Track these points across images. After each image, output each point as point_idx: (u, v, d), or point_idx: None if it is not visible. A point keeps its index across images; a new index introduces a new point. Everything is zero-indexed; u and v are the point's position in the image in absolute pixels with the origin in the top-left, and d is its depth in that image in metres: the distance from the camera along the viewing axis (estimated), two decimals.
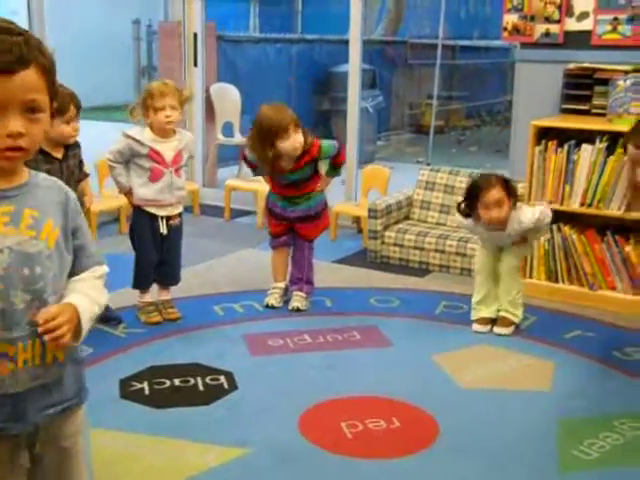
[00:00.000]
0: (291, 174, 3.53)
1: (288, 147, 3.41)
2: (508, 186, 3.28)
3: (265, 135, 3.40)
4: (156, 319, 3.45)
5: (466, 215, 3.38)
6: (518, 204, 3.34)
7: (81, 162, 3.25)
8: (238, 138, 6.45)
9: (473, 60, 10.96)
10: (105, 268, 1.56)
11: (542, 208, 3.37)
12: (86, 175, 3.35)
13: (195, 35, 5.78)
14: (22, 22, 4.76)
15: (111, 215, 5.14)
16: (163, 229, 3.40)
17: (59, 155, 3.10)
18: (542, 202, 3.58)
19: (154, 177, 3.32)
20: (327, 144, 3.59)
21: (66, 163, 3.11)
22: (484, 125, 10.57)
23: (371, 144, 8.65)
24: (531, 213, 3.32)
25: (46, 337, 1.38)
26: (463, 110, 10.70)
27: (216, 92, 6.22)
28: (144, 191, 3.34)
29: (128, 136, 3.30)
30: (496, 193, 3.24)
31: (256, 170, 3.73)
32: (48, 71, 1.35)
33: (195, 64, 5.84)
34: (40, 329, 1.38)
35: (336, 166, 3.65)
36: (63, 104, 2.98)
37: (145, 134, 3.31)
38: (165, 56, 5.99)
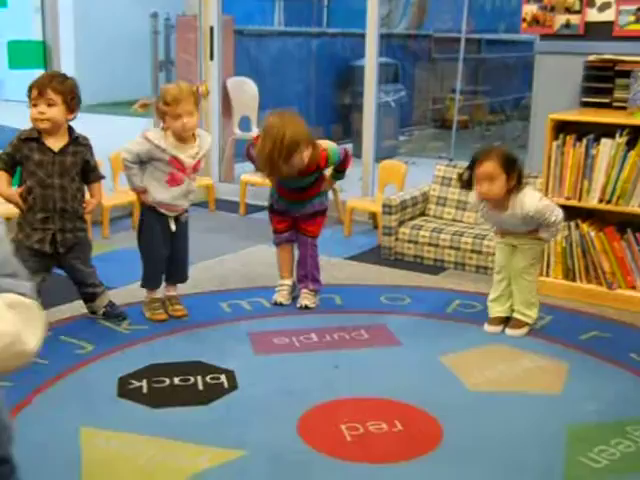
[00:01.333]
0: (296, 181, 3.45)
1: (297, 163, 3.29)
2: (508, 162, 3.07)
3: (279, 152, 3.20)
4: (161, 317, 3.39)
5: (466, 186, 3.23)
6: (526, 189, 3.15)
7: (88, 162, 3.18)
8: (255, 132, 6.39)
9: (499, 54, 10.79)
10: (23, 300, 1.16)
11: (549, 204, 3.20)
12: (99, 177, 3.29)
13: (211, 28, 5.72)
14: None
15: (124, 210, 5.09)
16: (173, 227, 3.36)
17: (56, 147, 3.05)
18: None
19: (172, 182, 3.26)
20: (333, 152, 3.49)
21: (62, 157, 3.06)
22: (509, 120, 10.39)
23: (393, 139, 8.55)
24: (536, 200, 3.13)
25: None
26: (488, 105, 10.53)
27: (233, 86, 6.15)
28: (160, 195, 3.27)
29: (149, 140, 3.20)
30: (488, 166, 3.04)
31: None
32: None
33: (211, 58, 5.78)
34: None
35: (340, 171, 3.58)
36: (29, 87, 2.99)
37: (167, 139, 3.21)
38: (182, 50, 5.94)
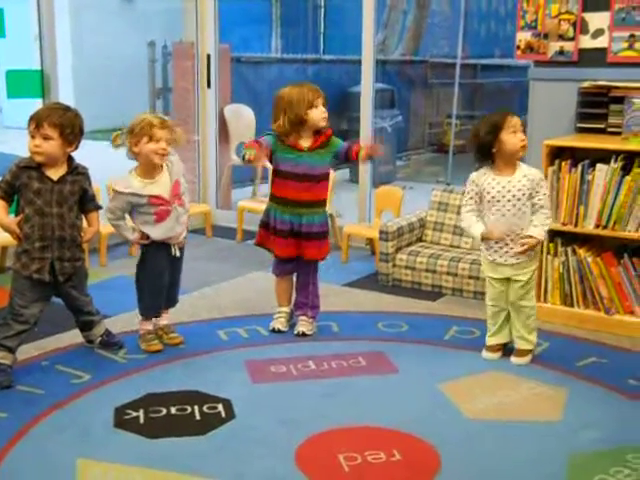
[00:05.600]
0: (307, 154, 3.44)
1: (317, 116, 3.40)
2: None
3: (297, 105, 3.37)
4: (157, 347, 3.37)
5: (486, 156, 3.18)
6: None
7: (86, 191, 3.18)
8: None
9: (495, 79, 10.87)
10: None
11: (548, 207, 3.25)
12: (97, 207, 3.29)
13: (208, 56, 5.77)
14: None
15: (121, 238, 5.08)
16: (176, 252, 3.35)
17: (55, 176, 3.05)
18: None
19: (160, 219, 3.25)
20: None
21: (61, 186, 3.06)
22: None
23: (390, 164, 8.58)
24: (540, 177, 3.21)
25: None
26: None
27: (230, 113, 6.18)
28: (154, 233, 3.27)
29: (121, 192, 3.21)
30: (519, 120, 3.17)
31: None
32: None
33: (208, 85, 5.82)
34: None
35: (357, 155, 3.49)
36: (29, 119, 3.01)
37: (134, 182, 3.21)
38: (179, 77, 5.98)
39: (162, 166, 3.26)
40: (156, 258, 3.34)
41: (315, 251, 3.54)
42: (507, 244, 3.22)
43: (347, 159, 3.58)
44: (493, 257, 3.27)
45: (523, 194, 3.17)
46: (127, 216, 3.31)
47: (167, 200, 3.25)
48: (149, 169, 3.23)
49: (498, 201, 3.19)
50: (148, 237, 3.29)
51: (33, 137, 3.01)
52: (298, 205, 3.47)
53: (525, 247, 3.18)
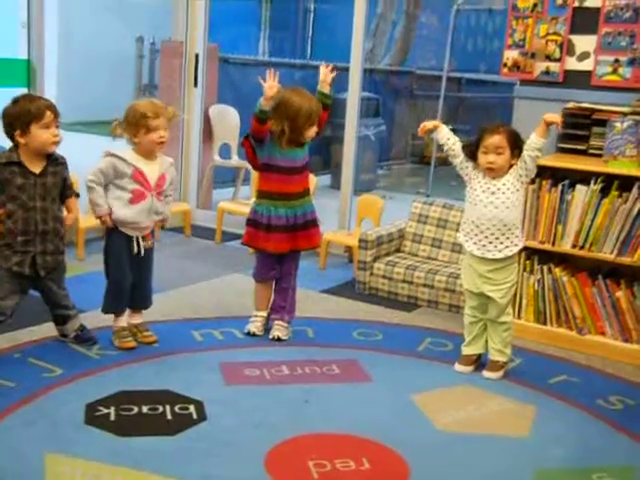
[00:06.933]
0: (294, 149, 3.47)
1: (312, 134, 3.47)
2: (515, 139, 3.20)
3: (303, 121, 3.39)
4: (130, 344, 3.36)
5: (470, 157, 3.25)
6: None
7: (65, 180, 3.18)
8: (235, 160, 6.41)
9: (479, 93, 10.94)
10: None
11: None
12: (75, 193, 3.28)
13: (196, 56, 5.76)
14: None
15: (99, 232, 5.06)
16: (140, 250, 3.32)
17: (37, 170, 3.05)
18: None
19: (135, 199, 3.23)
20: None
21: (43, 179, 3.06)
22: None
23: (371, 172, 8.61)
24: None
25: None
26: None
27: (215, 113, 6.18)
28: (124, 212, 3.24)
29: (112, 154, 3.21)
30: (497, 139, 3.15)
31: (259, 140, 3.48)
32: None
33: (195, 84, 5.81)
34: None
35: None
36: (38, 110, 2.99)
37: (128, 153, 3.23)
38: (166, 75, 5.96)
39: (157, 157, 3.29)
40: (119, 254, 3.31)
41: (308, 240, 3.59)
42: (493, 236, 3.23)
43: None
44: (471, 248, 3.28)
45: (512, 192, 3.21)
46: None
47: (149, 183, 3.25)
48: (147, 154, 3.25)
49: (487, 201, 3.21)
50: (112, 221, 3.26)
51: (49, 127, 3.01)
52: (291, 197, 3.50)
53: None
